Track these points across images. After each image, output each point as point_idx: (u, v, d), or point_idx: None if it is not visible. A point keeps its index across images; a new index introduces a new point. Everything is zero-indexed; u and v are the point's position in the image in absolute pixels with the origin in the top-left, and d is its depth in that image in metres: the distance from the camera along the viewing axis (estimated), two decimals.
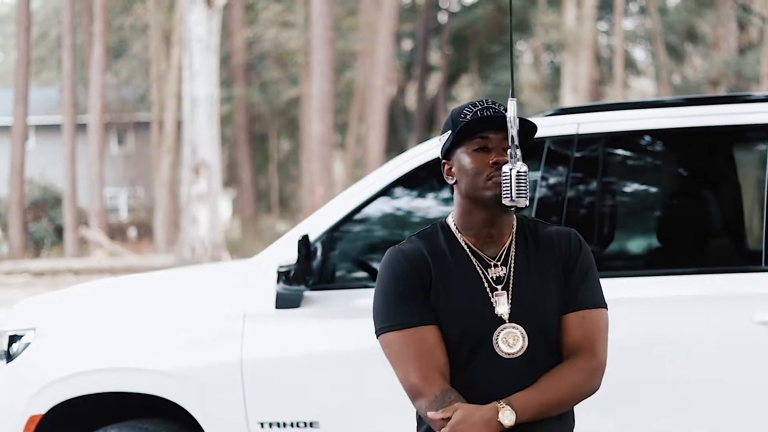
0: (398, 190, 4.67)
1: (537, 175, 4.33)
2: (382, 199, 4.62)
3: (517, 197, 2.69)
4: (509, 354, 2.80)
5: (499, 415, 2.69)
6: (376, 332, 2.88)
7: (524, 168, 2.69)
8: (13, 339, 4.79)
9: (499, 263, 2.85)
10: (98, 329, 4.72)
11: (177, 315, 4.66)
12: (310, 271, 4.36)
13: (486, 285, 2.83)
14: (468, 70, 42.52)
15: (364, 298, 4.47)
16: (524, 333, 2.80)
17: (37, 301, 5.07)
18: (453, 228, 2.91)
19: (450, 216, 2.94)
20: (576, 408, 2.91)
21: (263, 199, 43.65)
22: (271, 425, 4.42)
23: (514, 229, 2.89)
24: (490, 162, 2.77)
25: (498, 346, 2.80)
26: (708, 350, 4.07)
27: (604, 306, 2.89)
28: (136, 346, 4.60)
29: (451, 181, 2.89)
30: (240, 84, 37.03)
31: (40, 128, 44.38)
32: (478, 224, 2.85)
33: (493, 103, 2.85)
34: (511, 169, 2.69)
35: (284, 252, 4.52)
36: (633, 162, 4.75)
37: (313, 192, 24.19)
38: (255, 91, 38.32)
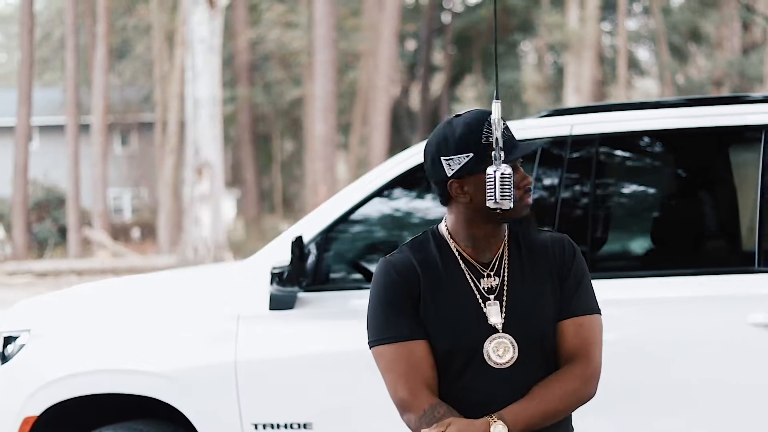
0: (393, 191, 4.67)
1: (531, 176, 4.31)
2: (376, 200, 4.62)
3: (501, 200, 2.69)
4: (499, 364, 2.78)
5: (491, 429, 2.68)
6: (368, 344, 2.87)
7: (508, 170, 2.69)
8: (8, 340, 4.79)
9: (492, 273, 2.84)
10: (93, 330, 4.72)
11: (171, 316, 4.66)
12: (303, 273, 4.36)
13: (477, 295, 2.82)
14: (472, 70, 42.54)
15: (358, 300, 4.47)
16: (514, 343, 2.79)
17: (31, 303, 5.07)
18: (446, 235, 2.88)
19: (443, 223, 2.91)
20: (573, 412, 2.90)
21: (267, 199, 43.68)
22: (265, 426, 4.42)
23: (506, 237, 2.89)
24: (521, 185, 2.79)
25: (488, 357, 2.79)
26: (702, 352, 4.07)
27: (599, 312, 2.88)
28: (130, 347, 4.61)
29: (463, 200, 2.80)
30: (243, 84, 37.07)
31: (44, 129, 44.43)
32: (480, 236, 2.84)
33: (503, 119, 2.81)
34: (495, 171, 2.69)
35: (279, 253, 4.52)
36: (626, 163, 4.74)
37: (317, 192, 24.18)
38: (258, 92, 38.36)
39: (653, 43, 39.29)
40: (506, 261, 2.86)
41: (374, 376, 4.24)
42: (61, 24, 40.93)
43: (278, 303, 4.36)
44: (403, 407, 2.79)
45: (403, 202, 4.79)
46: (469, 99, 42.81)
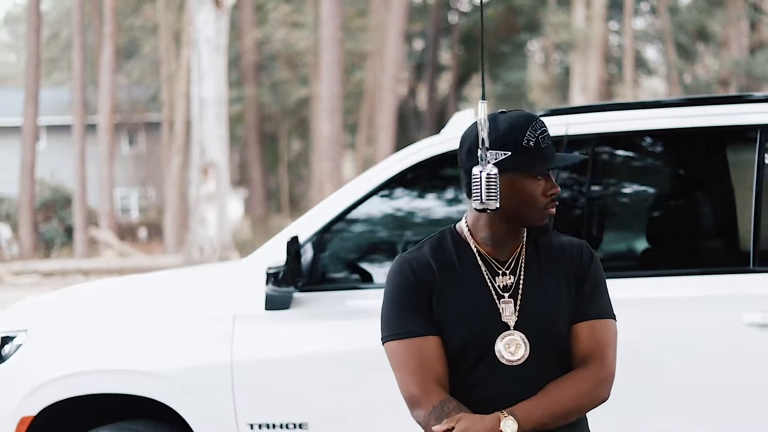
0: (389, 192, 4.67)
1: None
2: (372, 201, 4.62)
3: (487, 200, 2.69)
4: (511, 361, 2.79)
5: (501, 424, 2.68)
6: (381, 339, 2.88)
7: (494, 171, 2.69)
8: (5, 340, 4.79)
9: (507, 271, 2.85)
10: (90, 331, 4.73)
11: (167, 316, 4.67)
12: (299, 273, 4.36)
13: (493, 292, 2.83)
14: (479, 69, 42.52)
15: (354, 300, 4.49)
16: (526, 341, 2.80)
17: (29, 303, 5.08)
18: (466, 231, 2.89)
19: (463, 221, 2.92)
20: None
21: (273, 198, 43.70)
22: (260, 426, 4.42)
23: (525, 237, 2.90)
24: (549, 193, 2.80)
25: (500, 354, 2.79)
26: (697, 352, 4.06)
27: (614, 317, 2.90)
28: (126, 347, 4.61)
29: None
30: (250, 84, 37.11)
31: (52, 129, 44.50)
32: (499, 233, 2.85)
33: (543, 124, 2.82)
34: (481, 172, 2.69)
35: (275, 253, 4.52)
36: (622, 163, 4.73)
37: (323, 192, 24.20)
38: (265, 92, 38.39)
39: (660, 43, 39.24)
40: (523, 260, 2.87)
41: (371, 375, 4.28)
42: (69, 24, 40.97)
43: (274, 303, 4.36)
44: (413, 403, 2.80)
45: (399, 202, 4.79)
46: (476, 98, 42.62)
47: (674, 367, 4.08)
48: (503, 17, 38.66)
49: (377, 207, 4.72)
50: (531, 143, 2.76)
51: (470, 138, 2.83)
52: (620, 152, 4.66)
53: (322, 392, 4.39)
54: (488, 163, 2.70)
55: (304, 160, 43.58)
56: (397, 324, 2.83)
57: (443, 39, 42.90)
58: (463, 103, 43.98)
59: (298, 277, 4.35)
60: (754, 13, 34.51)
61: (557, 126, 4.38)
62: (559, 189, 2.83)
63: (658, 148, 4.67)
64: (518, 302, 2.82)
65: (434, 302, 2.82)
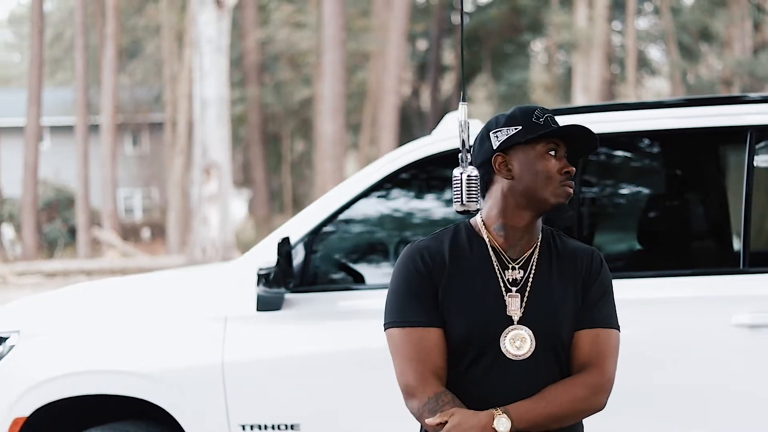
0: (380, 193, 4.67)
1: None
2: (364, 201, 4.62)
3: (468, 201, 2.70)
4: (516, 356, 2.80)
5: (495, 422, 2.69)
6: (383, 326, 2.88)
7: (474, 172, 2.69)
8: None
9: (518, 266, 2.86)
10: (83, 332, 4.73)
11: (159, 318, 4.67)
12: (290, 274, 4.36)
13: (501, 285, 2.83)
14: (482, 70, 42.47)
15: (346, 301, 4.49)
16: (532, 336, 2.80)
17: (22, 304, 5.09)
18: (480, 224, 2.90)
19: (477, 216, 2.92)
20: None
21: (277, 199, 43.68)
22: (252, 427, 4.43)
23: (540, 237, 2.91)
24: (564, 170, 2.81)
25: (505, 348, 2.80)
26: (686, 353, 4.06)
27: (618, 328, 2.90)
28: (119, 348, 4.61)
29: (505, 176, 2.84)
30: (253, 84, 37.09)
31: (55, 129, 44.53)
32: (517, 225, 2.86)
33: (549, 110, 2.88)
34: (461, 173, 2.69)
35: (266, 254, 4.52)
36: (614, 164, 4.73)
37: (326, 192, 24.16)
38: (268, 92, 38.36)
39: (663, 43, 39.21)
40: (535, 258, 2.88)
41: (362, 376, 4.28)
42: (72, 24, 41.00)
43: (265, 304, 4.36)
44: (409, 393, 2.81)
45: (390, 203, 4.79)
46: (479, 99, 42.74)
47: (663, 368, 4.07)
48: (506, 17, 38.64)
49: (368, 208, 4.72)
50: (540, 121, 2.80)
51: (481, 130, 2.88)
52: (613, 153, 4.66)
53: (313, 393, 4.39)
54: (468, 164, 2.70)
55: (307, 161, 43.55)
56: (401, 312, 2.83)
57: (446, 39, 42.87)
58: (466, 103, 43.88)
59: (289, 278, 4.36)
60: (757, 13, 34.47)
61: None
62: (574, 169, 2.84)
63: (652, 149, 4.67)
64: (525, 298, 2.83)
65: (441, 292, 2.82)
